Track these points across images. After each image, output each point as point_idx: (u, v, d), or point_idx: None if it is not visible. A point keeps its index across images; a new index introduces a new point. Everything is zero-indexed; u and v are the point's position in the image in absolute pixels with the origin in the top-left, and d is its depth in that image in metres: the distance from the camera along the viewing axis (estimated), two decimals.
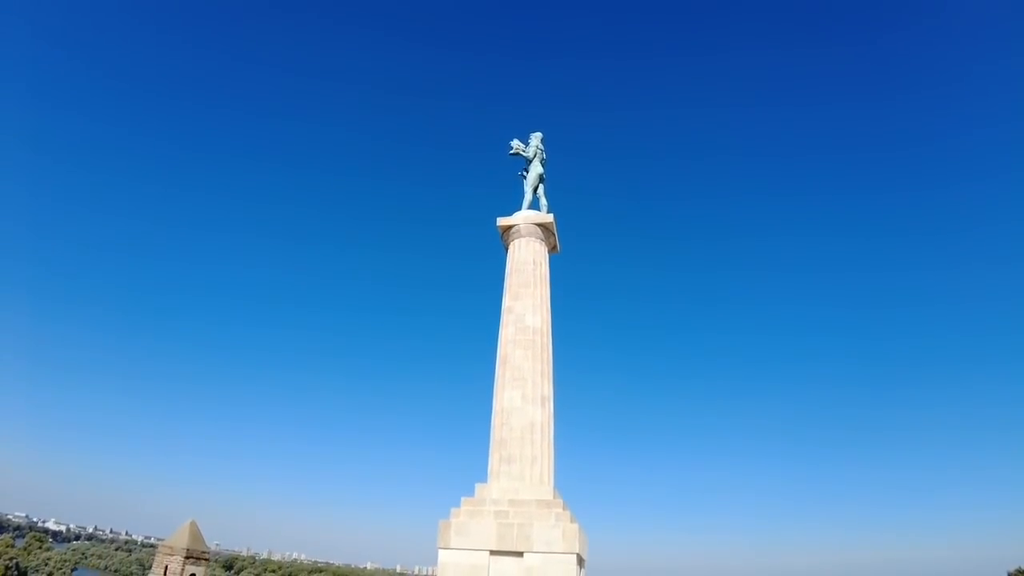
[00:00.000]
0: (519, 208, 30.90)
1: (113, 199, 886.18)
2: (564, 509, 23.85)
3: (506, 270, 29.46)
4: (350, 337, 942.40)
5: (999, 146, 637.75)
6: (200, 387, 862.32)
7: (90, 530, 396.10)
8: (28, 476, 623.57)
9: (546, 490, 24.37)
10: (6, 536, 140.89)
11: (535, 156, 32.12)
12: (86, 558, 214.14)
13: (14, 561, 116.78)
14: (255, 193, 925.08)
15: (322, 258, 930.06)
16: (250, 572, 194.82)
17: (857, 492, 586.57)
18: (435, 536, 23.97)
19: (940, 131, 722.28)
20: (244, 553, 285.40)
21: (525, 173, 31.94)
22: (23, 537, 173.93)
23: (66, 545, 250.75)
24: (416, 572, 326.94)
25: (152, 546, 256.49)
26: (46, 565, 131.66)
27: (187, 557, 50.61)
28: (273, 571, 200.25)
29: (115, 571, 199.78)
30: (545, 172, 32.33)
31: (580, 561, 23.40)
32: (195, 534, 53.27)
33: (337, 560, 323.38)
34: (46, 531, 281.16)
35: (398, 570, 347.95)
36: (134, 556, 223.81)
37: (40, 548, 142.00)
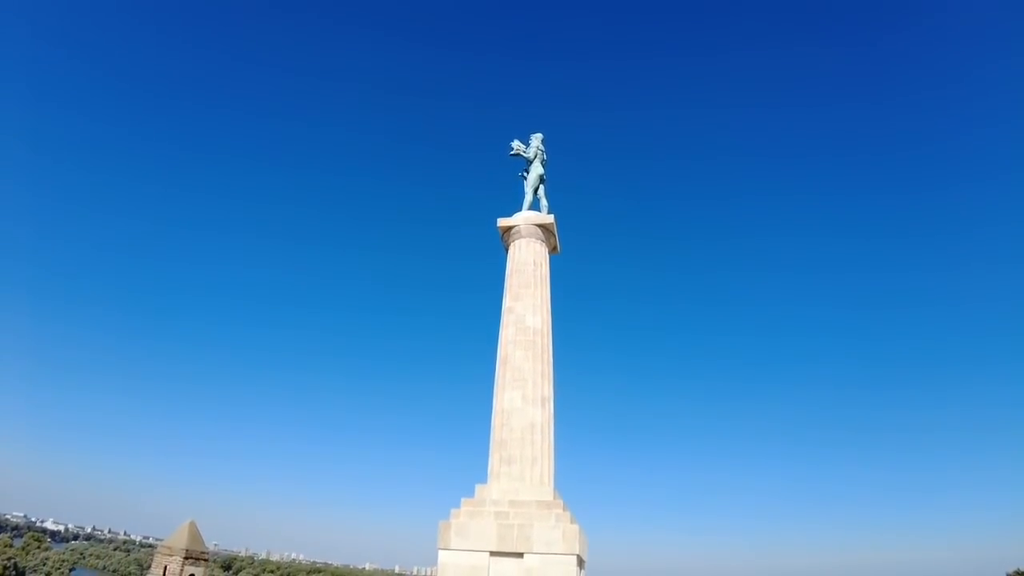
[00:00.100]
0: (519, 209, 30.89)
1: (113, 199, 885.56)
2: (564, 510, 23.84)
3: (506, 271, 29.46)
4: (350, 337, 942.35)
5: (1000, 147, 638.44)
6: (199, 387, 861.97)
7: (88, 530, 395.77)
8: (27, 476, 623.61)
9: (546, 491, 24.36)
10: (4, 536, 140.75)
11: (535, 157, 32.11)
12: (84, 558, 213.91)
13: (12, 561, 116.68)
14: (255, 193, 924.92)
15: (322, 258, 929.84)
16: (248, 572, 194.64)
17: (857, 493, 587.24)
18: (434, 537, 23.98)
19: (941, 132, 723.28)
20: (243, 553, 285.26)
21: (525, 174, 31.93)
22: (21, 537, 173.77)
23: (64, 545, 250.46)
24: (415, 573, 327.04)
25: (150, 546, 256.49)
26: (44, 565, 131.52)
27: (186, 558, 50.57)
28: (272, 571, 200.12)
29: (113, 571, 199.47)
30: (545, 173, 32.33)
31: (580, 562, 23.38)
32: (194, 534, 53.21)
33: (336, 561, 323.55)
34: (44, 531, 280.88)
35: (397, 571, 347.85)
36: (132, 556, 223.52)
37: (38, 548, 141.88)
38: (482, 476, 25.97)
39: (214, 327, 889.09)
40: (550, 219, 30.05)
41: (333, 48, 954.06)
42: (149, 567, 58.44)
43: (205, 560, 53.74)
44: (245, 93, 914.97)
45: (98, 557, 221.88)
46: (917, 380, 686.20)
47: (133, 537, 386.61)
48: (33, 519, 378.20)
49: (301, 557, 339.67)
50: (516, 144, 32.28)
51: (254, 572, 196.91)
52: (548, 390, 26.69)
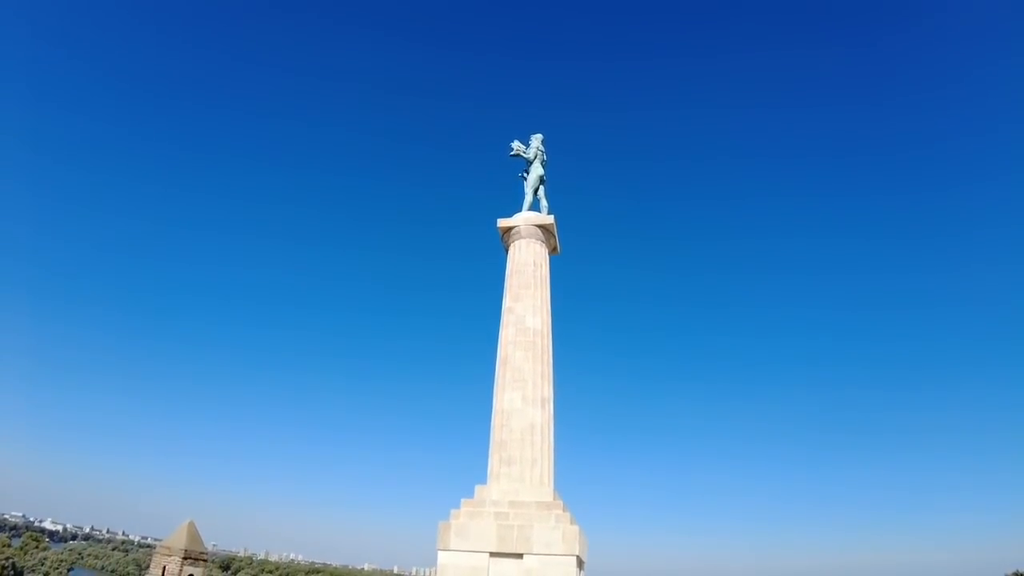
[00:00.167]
0: (519, 209, 30.89)
1: (113, 199, 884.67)
2: (564, 511, 23.83)
3: (506, 271, 29.46)
4: (349, 338, 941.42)
5: (1000, 147, 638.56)
6: (199, 387, 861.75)
7: (87, 530, 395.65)
8: (25, 475, 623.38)
9: (546, 492, 24.36)
10: (2, 536, 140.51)
11: (536, 157, 32.13)
12: (83, 558, 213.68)
13: (10, 561, 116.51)
14: (255, 193, 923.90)
15: (322, 259, 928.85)
16: (247, 573, 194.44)
17: (857, 494, 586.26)
18: (433, 537, 24.00)
19: (941, 132, 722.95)
20: (241, 554, 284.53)
21: (525, 174, 31.95)
22: (19, 537, 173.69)
23: (63, 545, 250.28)
24: (413, 573, 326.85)
25: (149, 546, 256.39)
26: (42, 565, 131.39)
27: (185, 558, 50.46)
28: (270, 572, 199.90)
29: (111, 571, 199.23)
30: (546, 173, 32.33)
31: (580, 563, 23.38)
32: (193, 535, 53.11)
33: (334, 561, 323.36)
34: (43, 531, 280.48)
35: (395, 571, 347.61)
36: (131, 556, 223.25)
37: (37, 548, 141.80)
38: (482, 477, 25.99)
39: (214, 327, 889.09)
40: (550, 220, 30.05)
41: (333, 48, 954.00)
42: (147, 567, 58.38)
43: (204, 560, 53.65)
44: (245, 93, 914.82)
45: (96, 557, 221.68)
46: (917, 382, 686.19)
47: (131, 537, 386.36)
48: (31, 519, 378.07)
49: (300, 557, 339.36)
50: (516, 145, 32.30)
51: (253, 572, 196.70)
52: (548, 391, 26.68)
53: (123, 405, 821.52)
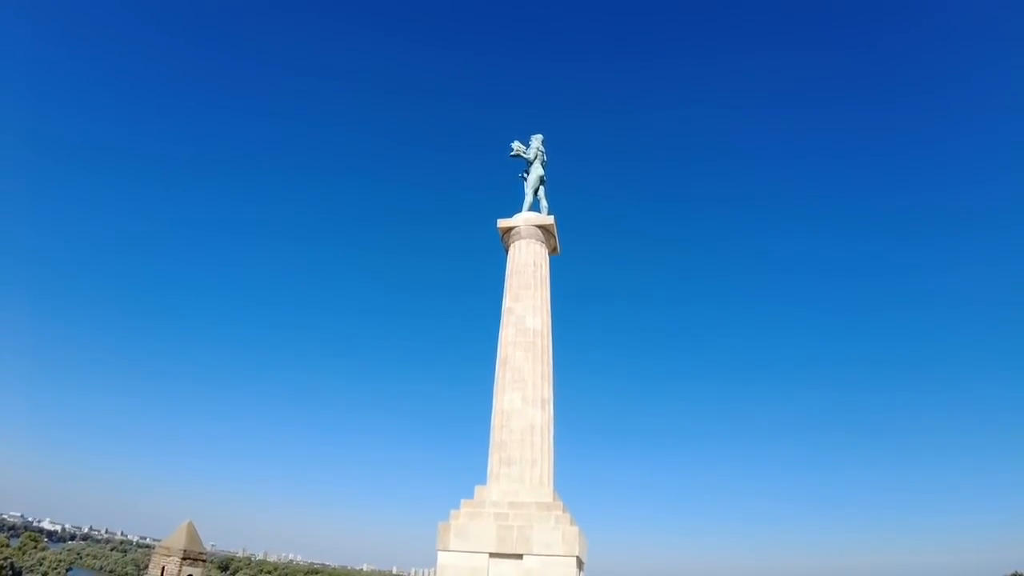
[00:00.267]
0: (519, 210, 30.87)
1: (113, 199, 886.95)
2: (564, 512, 23.79)
3: (506, 272, 29.43)
4: (349, 338, 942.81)
5: (1000, 147, 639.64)
6: (198, 387, 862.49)
7: (85, 530, 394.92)
8: (24, 475, 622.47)
9: (546, 492, 24.32)
10: (1, 536, 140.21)
11: (536, 158, 32.11)
12: (81, 558, 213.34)
13: (9, 561, 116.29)
14: (255, 193, 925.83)
15: (322, 259, 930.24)
16: (246, 573, 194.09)
17: (857, 495, 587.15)
18: (432, 538, 23.98)
19: (941, 133, 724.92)
20: (240, 554, 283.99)
21: (526, 175, 31.93)
22: (18, 537, 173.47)
23: (61, 545, 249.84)
24: (413, 574, 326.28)
25: (147, 546, 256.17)
26: (41, 565, 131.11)
27: (184, 558, 50.30)
28: (269, 572, 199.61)
29: (110, 571, 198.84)
30: (546, 174, 32.31)
31: (580, 564, 23.34)
32: (192, 535, 52.97)
33: (333, 562, 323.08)
34: (41, 531, 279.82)
35: (394, 572, 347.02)
36: (129, 556, 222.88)
37: (35, 548, 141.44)
38: (481, 477, 25.95)
39: (214, 327, 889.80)
40: (550, 220, 30.03)
41: (333, 48, 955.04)
42: (146, 567, 58.22)
43: (203, 561, 53.52)
44: (245, 93, 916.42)
45: (95, 557, 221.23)
46: (917, 382, 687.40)
47: (130, 537, 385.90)
48: (30, 519, 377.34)
49: (299, 558, 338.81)
50: (516, 145, 32.28)
51: (251, 573, 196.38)
52: (548, 391, 26.65)
53: (123, 405, 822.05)
